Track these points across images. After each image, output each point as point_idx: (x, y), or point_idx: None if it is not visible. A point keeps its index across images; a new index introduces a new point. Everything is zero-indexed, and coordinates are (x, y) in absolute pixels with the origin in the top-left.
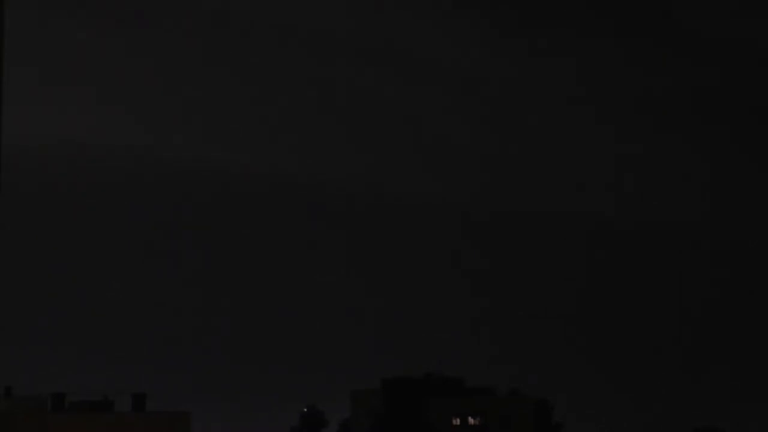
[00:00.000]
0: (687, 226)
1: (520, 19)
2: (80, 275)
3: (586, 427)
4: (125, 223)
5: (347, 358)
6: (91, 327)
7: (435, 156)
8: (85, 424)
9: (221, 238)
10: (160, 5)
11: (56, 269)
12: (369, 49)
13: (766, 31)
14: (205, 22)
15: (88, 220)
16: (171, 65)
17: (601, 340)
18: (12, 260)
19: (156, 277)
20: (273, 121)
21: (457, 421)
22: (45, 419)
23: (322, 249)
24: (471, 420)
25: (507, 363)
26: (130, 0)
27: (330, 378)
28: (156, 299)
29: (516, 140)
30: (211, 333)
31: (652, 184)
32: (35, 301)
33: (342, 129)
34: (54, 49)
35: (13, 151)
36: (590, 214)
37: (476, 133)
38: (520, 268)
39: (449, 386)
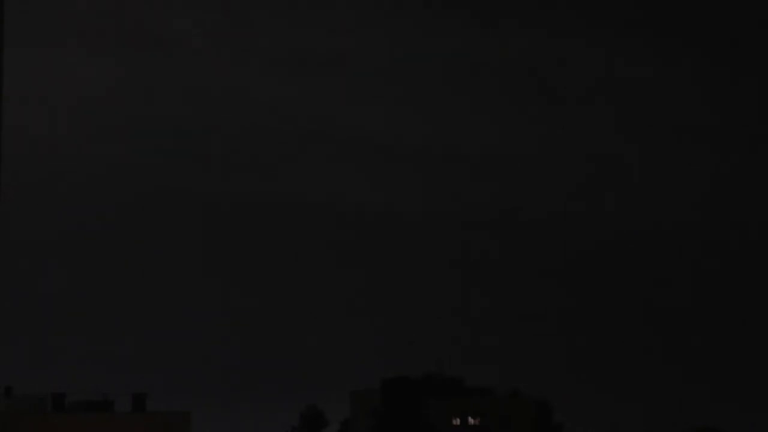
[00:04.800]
0: (684, 225)
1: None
2: (80, 275)
3: (586, 427)
4: (125, 222)
5: (347, 358)
6: (92, 327)
7: (435, 160)
8: (85, 424)
9: (221, 238)
10: None
11: (56, 269)
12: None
13: None
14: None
15: (87, 219)
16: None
17: (600, 341)
18: (11, 259)
19: (156, 277)
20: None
21: (457, 421)
22: (45, 419)
23: (322, 249)
24: (471, 420)
25: (507, 363)
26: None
27: (330, 378)
28: (156, 299)
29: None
30: (212, 333)
31: (648, 184)
32: (35, 301)
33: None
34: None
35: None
36: (587, 214)
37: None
38: (520, 267)
39: (449, 386)
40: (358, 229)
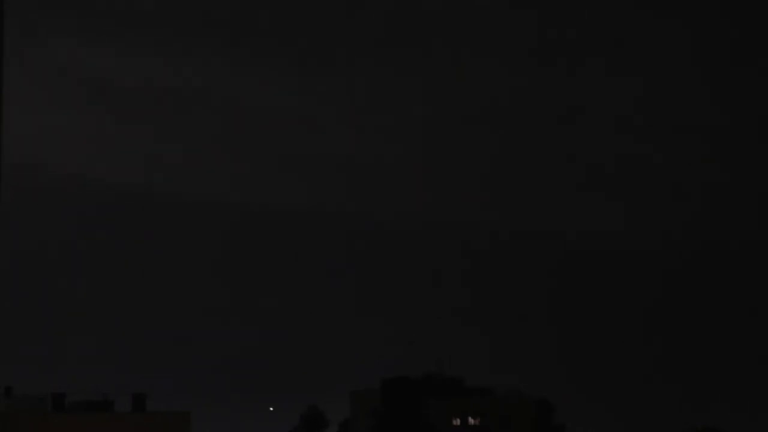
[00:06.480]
0: (684, 223)
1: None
2: (80, 275)
3: (586, 427)
4: (124, 223)
5: (347, 358)
6: (92, 327)
7: (437, 165)
8: (85, 424)
9: (221, 239)
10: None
11: (56, 269)
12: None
13: None
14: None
15: (86, 219)
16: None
17: (601, 341)
18: (11, 259)
19: (156, 277)
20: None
21: (457, 421)
22: (45, 419)
23: (322, 249)
24: (471, 420)
25: (507, 363)
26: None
27: (330, 378)
28: (156, 299)
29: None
30: (212, 333)
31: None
32: (36, 301)
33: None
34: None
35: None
36: (587, 215)
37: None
38: (520, 268)
39: (449, 386)
40: (358, 230)
